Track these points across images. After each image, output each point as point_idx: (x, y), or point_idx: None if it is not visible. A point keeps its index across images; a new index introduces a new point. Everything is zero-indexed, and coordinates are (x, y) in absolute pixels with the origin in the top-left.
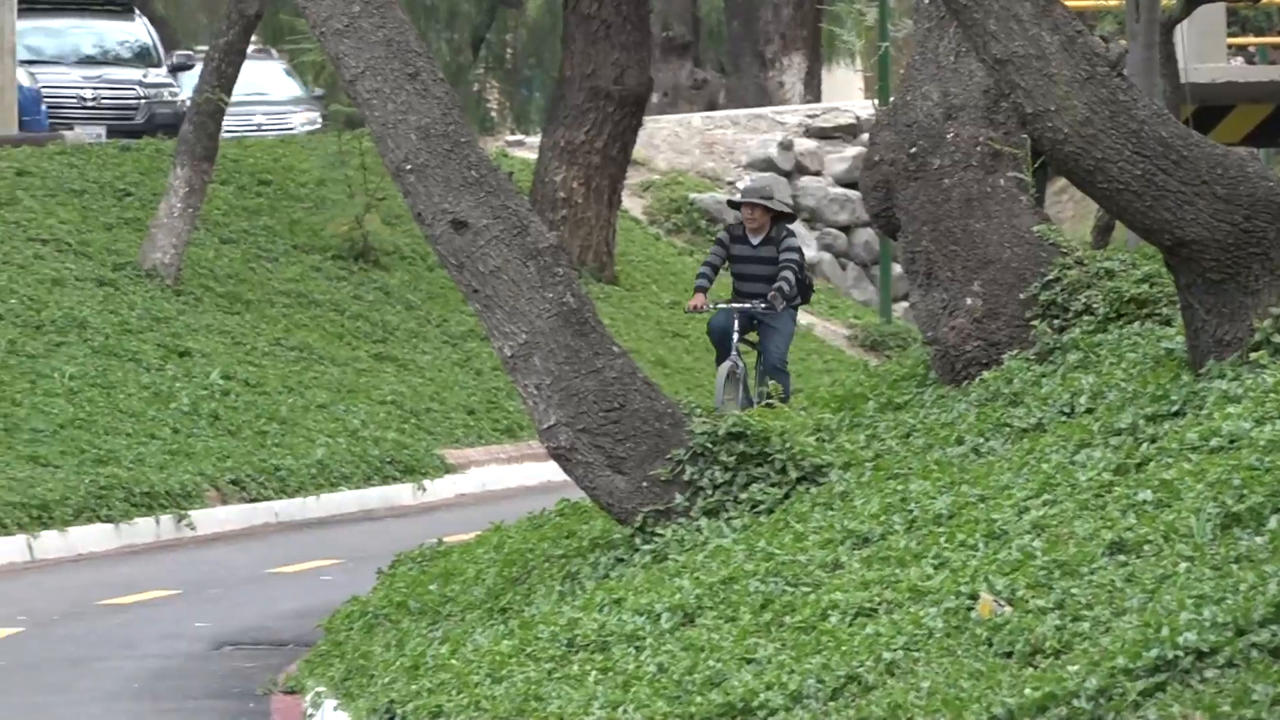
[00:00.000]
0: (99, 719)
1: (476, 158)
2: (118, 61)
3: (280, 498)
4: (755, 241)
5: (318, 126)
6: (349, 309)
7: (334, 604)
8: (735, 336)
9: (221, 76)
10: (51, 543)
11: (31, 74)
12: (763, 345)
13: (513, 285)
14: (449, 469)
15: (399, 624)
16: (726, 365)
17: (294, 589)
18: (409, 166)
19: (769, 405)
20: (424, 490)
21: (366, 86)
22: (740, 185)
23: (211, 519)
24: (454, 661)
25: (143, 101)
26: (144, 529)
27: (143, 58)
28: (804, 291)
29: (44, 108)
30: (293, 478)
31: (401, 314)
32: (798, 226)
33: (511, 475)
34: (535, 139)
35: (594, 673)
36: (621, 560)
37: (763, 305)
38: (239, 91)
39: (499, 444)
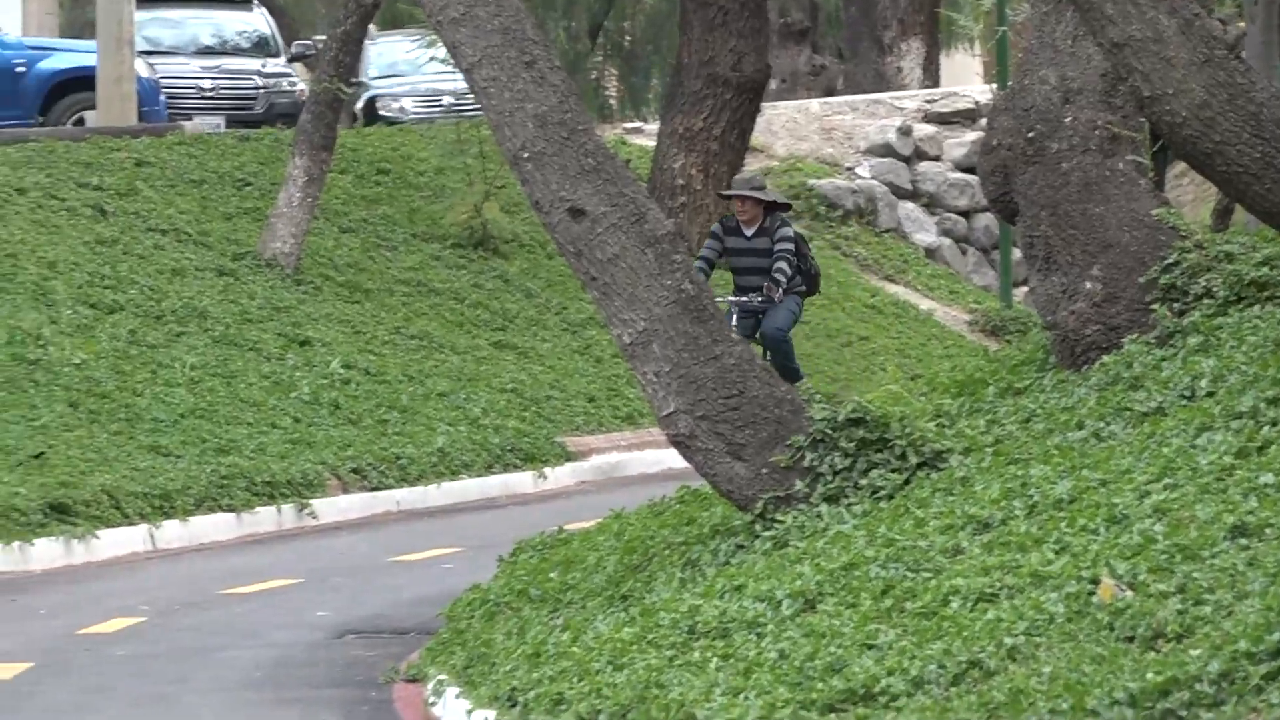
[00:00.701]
0: (221, 708)
1: (593, 145)
2: (236, 52)
3: (401, 486)
4: (749, 233)
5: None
6: (469, 297)
7: (455, 592)
8: (734, 334)
9: (339, 66)
10: (173, 532)
11: (150, 65)
12: (763, 322)
13: (631, 273)
14: (569, 456)
15: (520, 611)
16: None
17: (415, 577)
18: (526, 154)
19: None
20: (545, 478)
21: (483, 75)
22: (860, 170)
23: (333, 508)
24: (575, 649)
25: (261, 91)
26: (266, 518)
27: (261, 48)
28: (810, 281)
29: (163, 98)
30: (414, 466)
31: (521, 302)
32: (916, 210)
33: (632, 462)
34: (654, 126)
35: (715, 659)
36: (742, 547)
37: (759, 299)
38: (425, 75)
39: (619, 431)
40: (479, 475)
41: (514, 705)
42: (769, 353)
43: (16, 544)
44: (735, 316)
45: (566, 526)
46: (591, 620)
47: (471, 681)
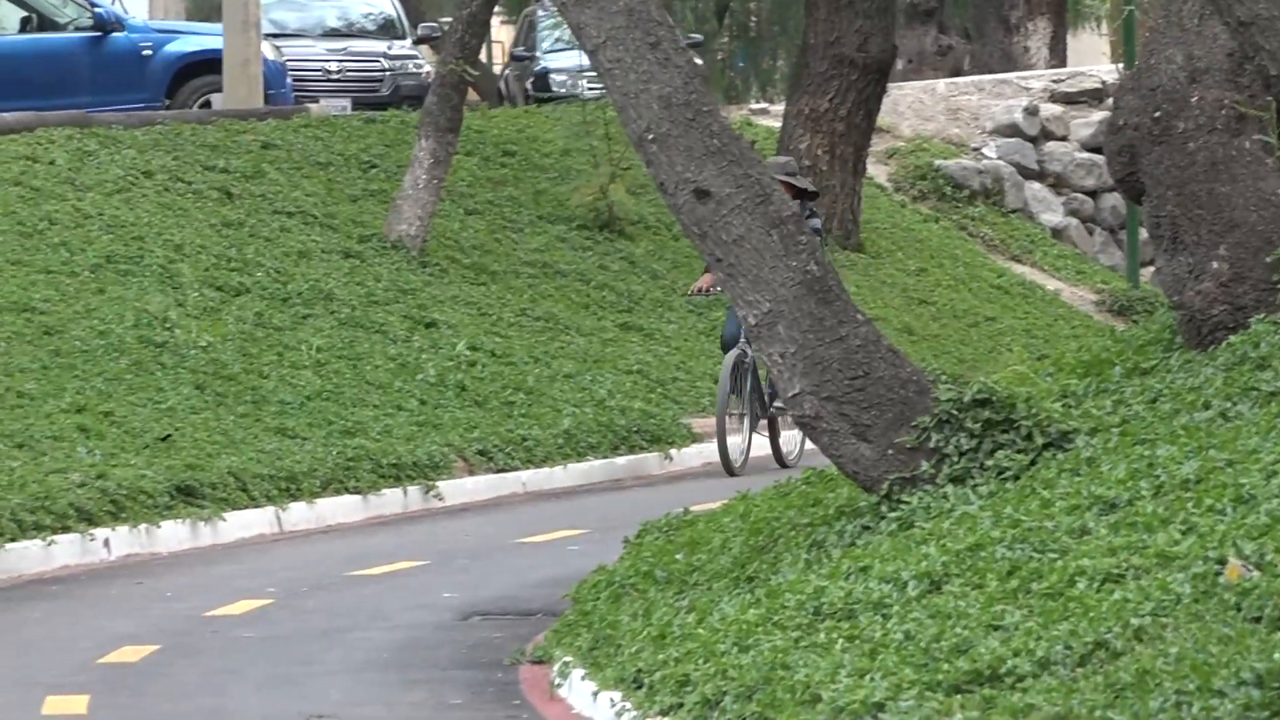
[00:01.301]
0: (348, 690)
1: (719, 126)
2: (362, 34)
3: (527, 468)
4: None
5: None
6: (594, 279)
7: (581, 574)
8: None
9: (465, 48)
10: (300, 514)
11: (277, 48)
12: None
13: (756, 254)
14: (695, 438)
15: (646, 593)
16: (733, 354)
17: (541, 559)
18: (651, 136)
19: (776, 410)
20: (670, 459)
21: (608, 56)
22: (986, 150)
23: (459, 489)
24: (701, 630)
25: (387, 74)
26: (392, 500)
27: (387, 30)
28: None
29: (289, 81)
30: (540, 448)
31: (647, 283)
32: (1042, 190)
33: (758, 444)
34: (779, 107)
35: (840, 641)
36: (867, 528)
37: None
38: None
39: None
40: (605, 456)
41: (639, 687)
42: None
43: (144, 526)
44: None
45: (692, 508)
46: (717, 602)
47: (597, 663)
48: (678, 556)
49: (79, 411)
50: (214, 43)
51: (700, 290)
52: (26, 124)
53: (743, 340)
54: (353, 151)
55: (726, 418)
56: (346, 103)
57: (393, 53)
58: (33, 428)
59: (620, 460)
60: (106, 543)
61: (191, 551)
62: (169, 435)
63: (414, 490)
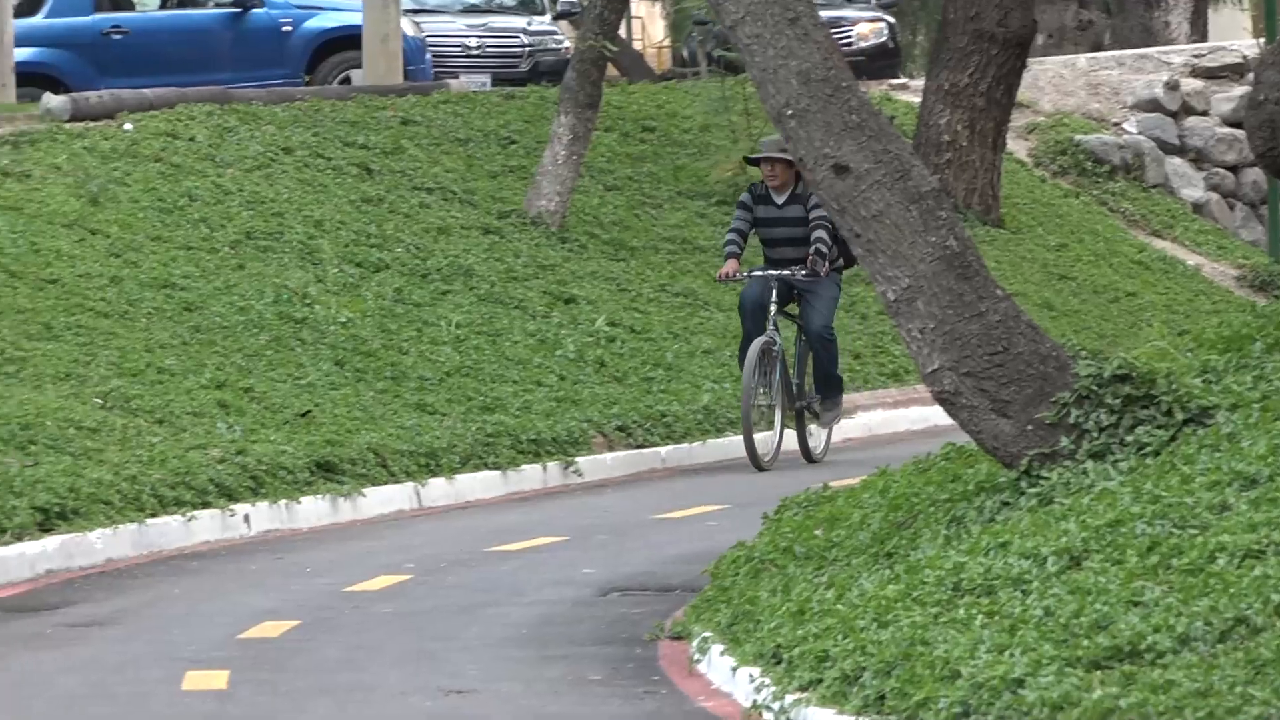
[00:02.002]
0: (486, 665)
1: (858, 102)
2: (502, 10)
3: (666, 444)
4: (780, 200)
5: (882, 40)
6: None
7: (720, 549)
8: (773, 309)
9: (604, 24)
10: (439, 490)
11: (416, 24)
12: (803, 315)
13: (895, 229)
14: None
15: (784, 569)
16: (760, 341)
17: (680, 534)
18: (790, 111)
19: (804, 405)
20: (810, 435)
21: (746, 32)
22: (1127, 125)
23: (598, 465)
24: (840, 606)
25: (527, 49)
26: (531, 476)
27: (527, 5)
28: (846, 251)
29: (429, 57)
30: (679, 423)
31: None
32: (1183, 165)
33: (897, 419)
34: (919, 82)
35: (980, 617)
36: (1007, 504)
37: (803, 273)
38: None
39: (884, 388)
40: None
41: (779, 662)
42: (812, 351)
43: (284, 502)
44: (774, 291)
45: (831, 484)
46: (856, 577)
47: (736, 639)
48: (816, 532)
49: (219, 387)
50: (354, 18)
51: (727, 276)
52: (167, 100)
53: (770, 328)
54: (492, 127)
55: (753, 410)
56: (486, 78)
57: (532, 28)
58: (173, 404)
59: (759, 435)
60: (246, 518)
61: (331, 527)
62: (309, 411)
63: (553, 466)
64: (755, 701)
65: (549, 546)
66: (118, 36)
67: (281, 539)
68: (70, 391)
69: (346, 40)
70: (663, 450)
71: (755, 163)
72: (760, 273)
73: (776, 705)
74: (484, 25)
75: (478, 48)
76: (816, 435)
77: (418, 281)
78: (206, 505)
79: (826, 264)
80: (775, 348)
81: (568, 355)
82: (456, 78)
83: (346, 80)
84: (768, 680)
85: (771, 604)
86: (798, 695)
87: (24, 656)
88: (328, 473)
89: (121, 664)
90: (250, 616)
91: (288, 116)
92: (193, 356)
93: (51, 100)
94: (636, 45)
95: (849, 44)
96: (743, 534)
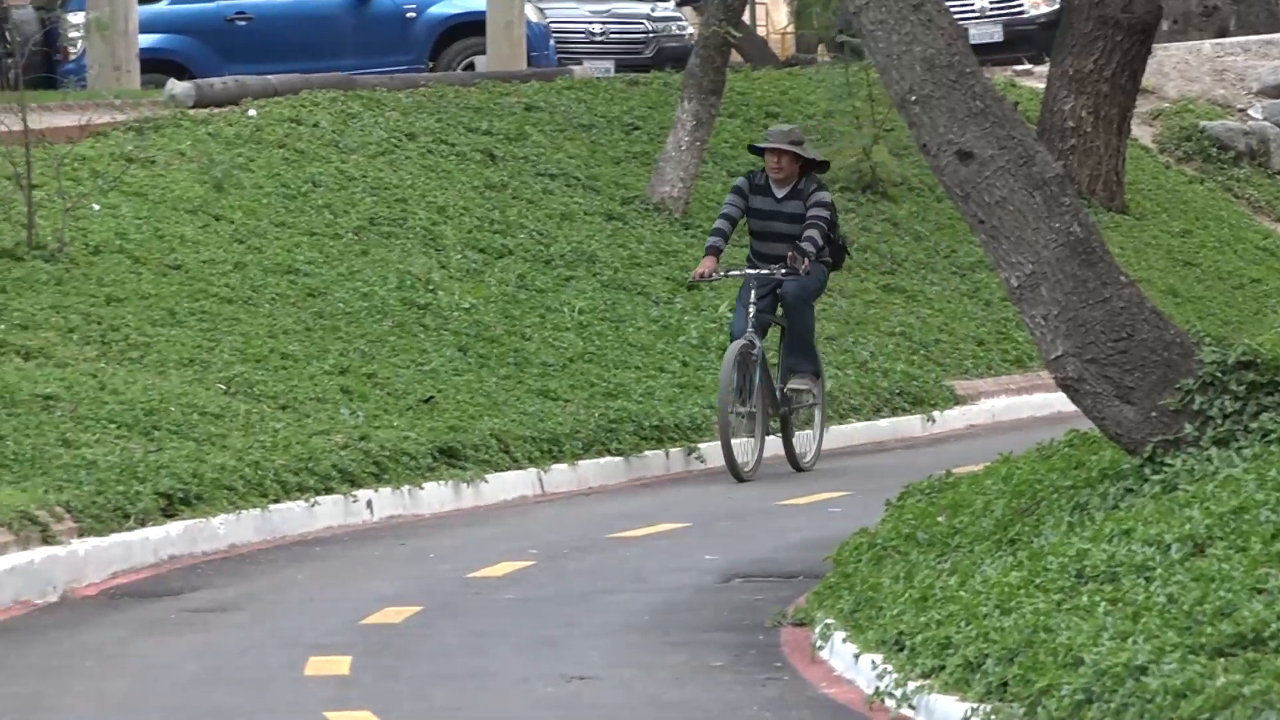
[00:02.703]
0: (608, 651)
1: (981, 88)
2: None
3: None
4: (780, 194)
5: (1055, 8)
6: (857, 240)
7: (842, 536)
8: (751, 310)
9: (728, 10)
10: (561, 476)
11: (540, 10)
12: (783, 288)
13: (1018, 215)
14: (958, 400)
15: (907, 555)
16: (738, 345)
17: (803, 521)
18: (913, 98)
19: (788, 409)
20: (933, 421)
21: (870, 18)
22: (1252, 111)
23: (719, 452)
24: (962, 593)
25: (651, 36)
26: (653, 462)
27: None
28: (837, 254)
29: (552, 43)
30: None
31: (910, 245)
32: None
33: (1020, 406)
34: (1043, 68)
35: (1103, 604)
36: (1130, 491)
37: (783, 270)
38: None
39: (1008, 374)
40: (867, 419)
41: (901, 649)
42: (787, 323)
43: (406, 488)
44: (752, 290)
45: (954, 470)
46: (979, 564)
47: (858, 625)
48: (939, 519)
49: (342, 373)
50: (478, 4)
51: (702, 276)
52: (291, 86)
53: (749, 330)
54: (615, 113)
55: (731, 417)
56: (610, 65)
57: (656, 15)
58: (296, 389)
59: (882, 423)
60: (369, 504)
61: (453, 513)
62: (431, 397)
63: (675, 452)
64: (878, 688)
65: (671, 532)
66: (242, 22)
67: (404, 524)
68: (194, 377)
69: (470, 26)
70: None
71: (760, 152)
72: (738, 272)
73: (899, 692)
74: (608, 11)
75: (602, 34)
76: (804, 441)
77: (541, 267)
78: (329, 491)
79: (807, 262)
80: (755, 351)
81: (690, 341)
82: (580, 64)
83: (470, 66)
84: (890, 667)
85: (894, 591)
86: (920, 682)
87: (147, 641)
88: (450, 458)
89: (244, 649)
90: (373, 602)
91: (411, 103)
92: (316, 342)
93: (176, 86)
94: (760, 31)
95: (1020, 13)
96: (865, 520)
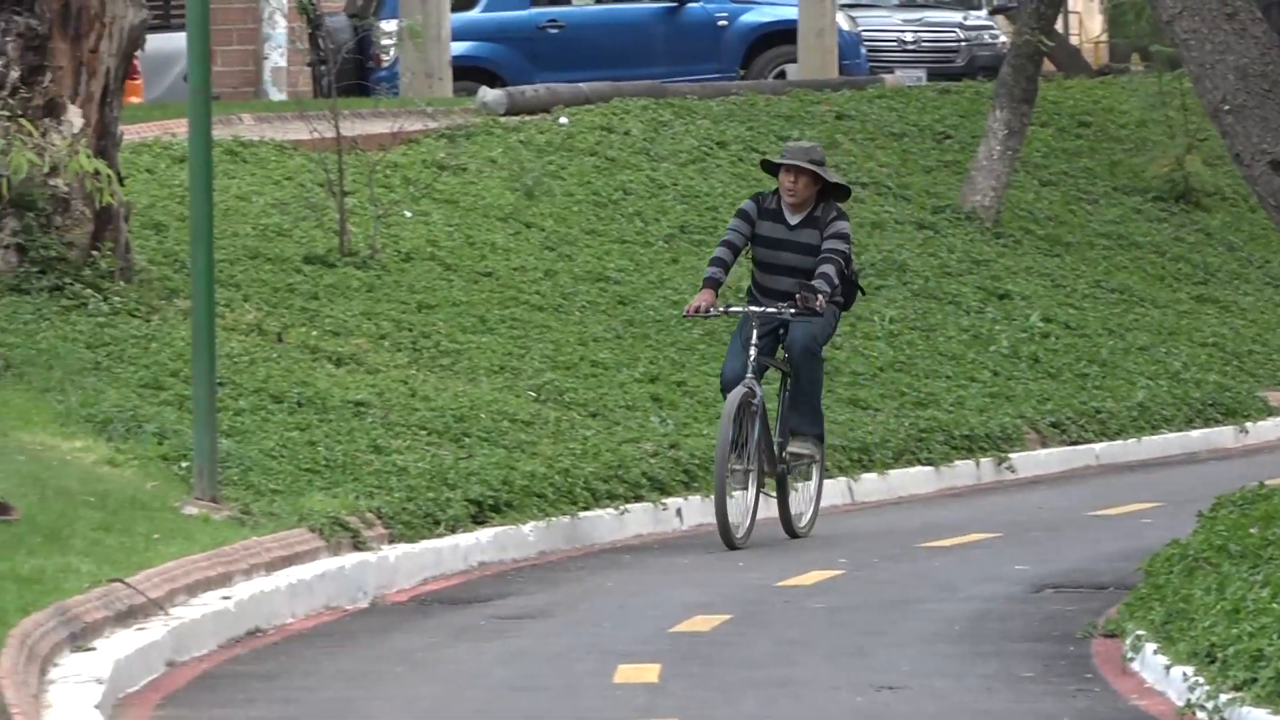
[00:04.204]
0: (917, 661)
1: None
2: (938, 4)
3: (1101, 440)
4: (793, 221)
5: None
6: (1169, 250)
7: (1153, 547)
8: (753, 353)
9: (1041, 18)
10: (871, 485)
11: (852, 18)
12: (789, 333)
13: None
14: (1271, 411)
15: (1219, 567)
16: (738, 394)
17: (1114, 531)
18: (1226, 107)
19: (785, 468)
20: (1246, 432)
21: (1184, 27)
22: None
23: (1031, 461)
24: (1275, 605)
25: (963, 44)
26: (964, 471)
27: (963, 0)
28: (849, 292)
29: (864, 51)
30: (1113, 420)
31: (1223, 255)
32: None
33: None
34: None
35: None
36: None
37: (792, 311)
38: None
39: None
40: (1179, 429)
41: (1213, 661)
42: (792, 375)
43: (714, 496)
44: (754, 329)
45: (1267, 482)
46: None
47: (1169, 637)
48: (1252, 530)
49: (652, 381)
50: (789, 13)
51: (697, 310)
52: (602, 94)
53: (749, 376)
54: (927, 122)
55: (728, 474)
56: (921, 73)
57: (968, 23)
58: (606, 397)
59: (1194, 433)
60: (679, 512)
61: (761, 521)
62: None
63: (986, 462)
64: (1189, 701)
65: (982, 543)
66: (554, 30)
67: (713, 532)
68: (504, 384)
69: (781, 35)
70: (1097, 447)
71: (773, 170)
72: (740, 309)
73: (1210, 705)
74: (920, 20)
75: (914, 42)
76: (801, 501)
77: None
78: (639, 499)
79: (821, 301)
80: (755, 401)
81: (1001, 351)
82: (891, 72)
83: (781, 75)
84: (1201, 679)
85: (1205, 602)
86: (1232, 695)
87: (458, 648)
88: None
89: (553, 656)
90: (681, 610)
91: (722, 111)
92: (626, 350)
93: (488, 94)
94: (1073, 40)
95: None
96: (1177, 532)
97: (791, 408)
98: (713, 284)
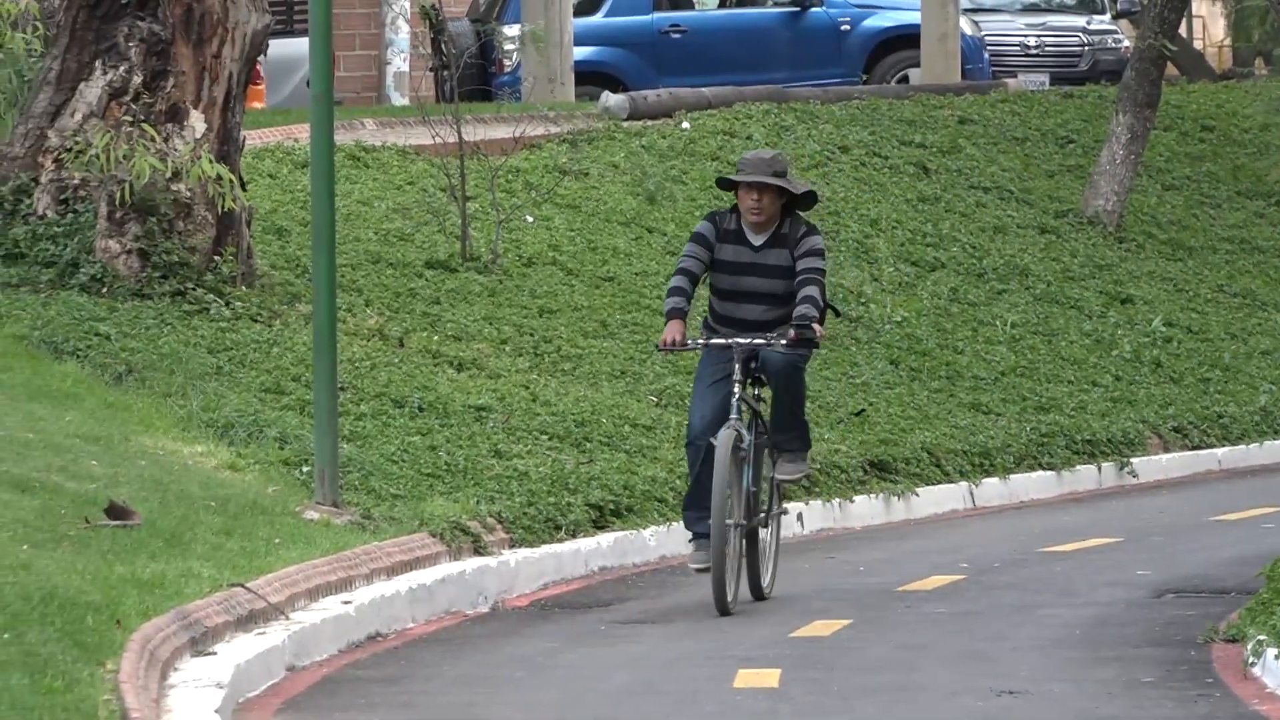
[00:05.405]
0: (1037, 666)
1: None
2: (1061, 9)
3: (1223, 445)
4: (758, 242)
5: None
6: None
7: (1275, 551)
8: (737, 390)
9: (1164, 23)
10: (993, 490)
11: (975, 23)
12: (764, 359)
13: None
14: None
15: None
16: (727, 437)
17: (1235, 536)
18: None
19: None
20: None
21: None
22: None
23: (1153, 466)
24: None
25: (1086, 48)
26: (1085, 476)
27: (1086, 4)
28: (821, 313)
29: (987, 56)
30: (1235, 425)
31: None
32: None
33: None
34: None
35: None
36: None
37: (783, 343)
38: None
39: None
40: None
41: None
42: (774, 394)
43: (837, 501)
44: (736, 364)
45: None
46: None
47: None
48: None
49: None
50: (912, 18)
51: (671, 344)
52: (725, 99)
53: (734, 418)
54: (1049, 127)
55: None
56: (1045, 78)
57: (1092, 27)
58: None
59: None
60: (800, 517)
61: (883, 526)
62: (863, 410)
63: (1108, 467)
64: None
65: (1103, 548)
66: (676, 35)
67: (834, 537)
68: (625, 389)
69: (904, 39)
70: (1219, 452)
71: (730, 187)
72: (721, 341)
73: None
74: (1043, 24)
75: (1036, 47)
76: (765, 557)
77: (973, 281)
78: None
79: (821, 330)
80: (744, 446)
81: (1124, 355)
82: (1014, 76)
83: (904, 79)
84: None
85: None
86: None
87: (577, 652)
88: (881, 472)
89: (672, 661)
90: (802, 615)
91: (845, 115)
92: None
93: (610, 99)
94: (1196, 44)
95: None
96: None
97: (778, 428)
98: (679, 314)
